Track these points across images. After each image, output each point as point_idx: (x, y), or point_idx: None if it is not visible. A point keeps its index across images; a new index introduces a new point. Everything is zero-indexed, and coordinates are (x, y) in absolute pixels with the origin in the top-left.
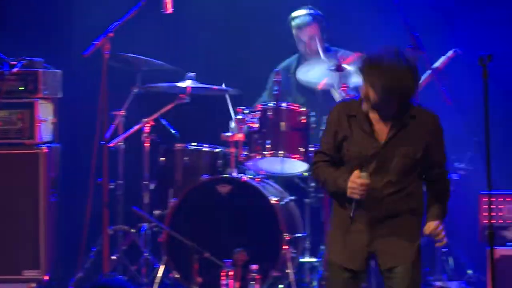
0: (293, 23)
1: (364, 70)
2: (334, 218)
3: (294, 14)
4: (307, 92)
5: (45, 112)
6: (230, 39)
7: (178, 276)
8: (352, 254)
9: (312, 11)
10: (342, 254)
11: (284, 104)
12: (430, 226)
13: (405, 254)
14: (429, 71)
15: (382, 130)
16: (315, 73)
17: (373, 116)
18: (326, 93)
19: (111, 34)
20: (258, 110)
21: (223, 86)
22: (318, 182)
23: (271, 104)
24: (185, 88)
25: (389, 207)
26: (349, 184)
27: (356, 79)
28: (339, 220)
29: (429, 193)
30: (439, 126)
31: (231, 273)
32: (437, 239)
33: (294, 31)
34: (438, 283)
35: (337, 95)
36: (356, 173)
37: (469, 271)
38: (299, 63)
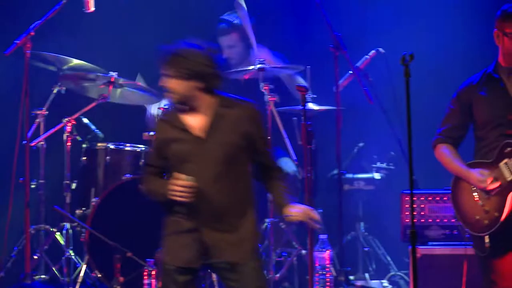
0: (216, 27)
1: (165, 63)
2: (168, 224)
3: (221, 18)
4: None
5: None
6: (154, 37)
7: (100, 275)
8: (188, 253)
9: (234, 20)
10: (177, 255)
11: None
12: (295, 212)
13: (243, 250)
14: (351, 71)
15: (198, 124)
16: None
17: (188, 114)
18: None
19: (32, 33)
20: None
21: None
22: (148, 194)
23: None
24: (107, 87)
25: (221, 202)
26: (169, 187)
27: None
28: (172, 224)
29: (267, 184)
30: (258, 113)
31: (153, 272)
32: (309, 221)
33: (217, 35)
34: (360, 282)
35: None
36: (177, 175)
37: (392, 271)
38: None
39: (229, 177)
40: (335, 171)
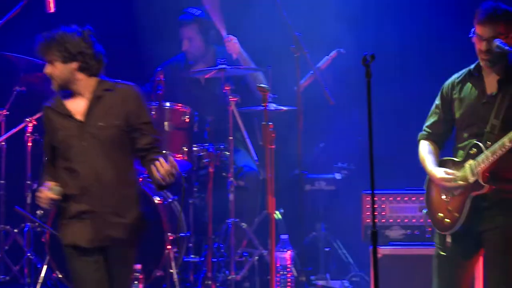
0: (178, 19)
1: (42, 50)
2: (60, 209)
3: (184, 11)
4: (195, 89)
5: None
6: (116, 37)
7: (61, 276)
8: (82, 234)
9: (195, 12)
10: (74, 236)
11: (167, 104)
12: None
13: (118, 231)
14: (311, 71)
15: (80, 109)
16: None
17: (71, 99)
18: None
19: None
20: None
21: None
22: None
23: (154, 104)
24: None
25: (106, 185)
26: (36, 195)
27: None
28: (63, 210)
29: (145, 165)
30: (138, 95)
31: None
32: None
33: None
34: (321, 282)
35: None
36: (46, 185)
37: (352, 271)
38: (188, 61)
39: (112, 159)
40: (296, 171)
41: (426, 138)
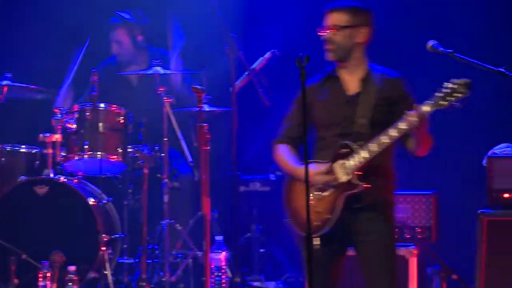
0: (108, 22)
1: None
2: None
3: (114, 14)
4: (128, 90)
5: None
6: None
7: None
8: None
9: (123, 16)
10: None
11: (102, 105)
12: None
13: None
14: (246, 72)
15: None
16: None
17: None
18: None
19: None
20: (76, 111)
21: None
22: None
23: (88, 105)
24: (1, 88)
25: None
26: None
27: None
28: None
29: None
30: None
31: (48, 274)
32: None
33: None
34: (256, 283)
35: None
36: None
37: (287, 272)
38: (119, 62)
39: None
40: (231, 173)
41: (281, 142)
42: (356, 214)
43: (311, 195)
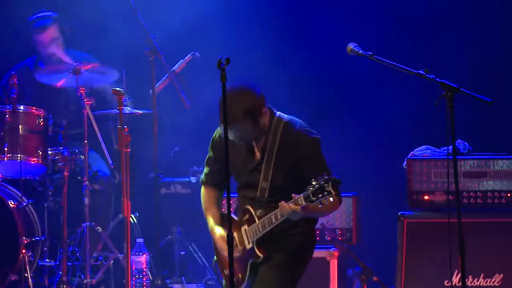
0: (33, 26)
1: None
2: None
3: (33, 18)
4: (48, 92)
5: None
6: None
7: None
8: None
9: (51, 14)
10: None
11: (21, 107)
12: None
13: None
14: (166, 75)
15: None
16: (55, 74)
17: None
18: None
19: None
20: None
21: None
22: None
23: (8, 107)
24: None
25: None
26: None
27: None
28: None
29: None
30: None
31: None
32: None
33: (34, 35)
34: (177, 286)
35: None
36: None
37: (208, 274)
38: (38, 64)
39: None
40: (152, 175)
41: (207, 184)
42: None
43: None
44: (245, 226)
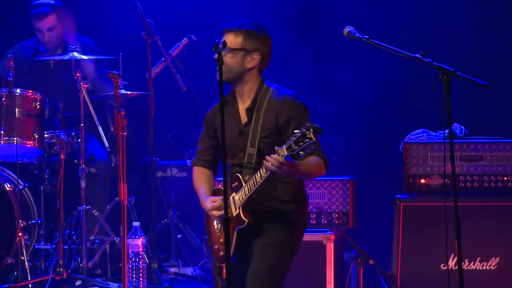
0: (32, 12)
1: None
2: None
3: (34, 3)
4: (45, 73)
5: None
6: None
7: None
8: None
9: (51, 2)
10: None
11: (18, 90)
12: None
13: None
14: (163, 58)
15: None
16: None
17: None
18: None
19: None
20: None
21: None
22: None
23: (4, 91)
24: None
25: None
26: None
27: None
28: None
29: None
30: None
31: None
32: None
33: (33, 21)
34: (173, 269)
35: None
36: None
37: (205, 257)
38: (39, 47)
39: None
40: (148, 158)
41: (198, 165)
42: (248, 242)
43: (216, 224)
44: (233, 194)
